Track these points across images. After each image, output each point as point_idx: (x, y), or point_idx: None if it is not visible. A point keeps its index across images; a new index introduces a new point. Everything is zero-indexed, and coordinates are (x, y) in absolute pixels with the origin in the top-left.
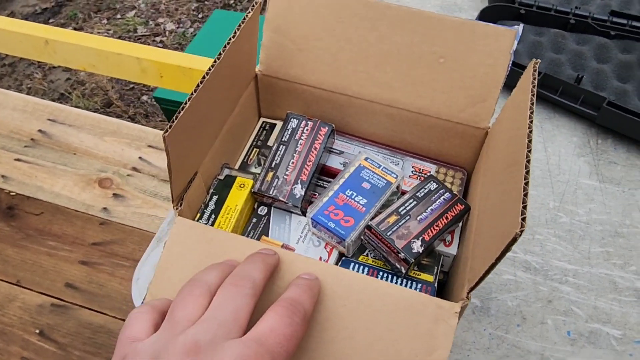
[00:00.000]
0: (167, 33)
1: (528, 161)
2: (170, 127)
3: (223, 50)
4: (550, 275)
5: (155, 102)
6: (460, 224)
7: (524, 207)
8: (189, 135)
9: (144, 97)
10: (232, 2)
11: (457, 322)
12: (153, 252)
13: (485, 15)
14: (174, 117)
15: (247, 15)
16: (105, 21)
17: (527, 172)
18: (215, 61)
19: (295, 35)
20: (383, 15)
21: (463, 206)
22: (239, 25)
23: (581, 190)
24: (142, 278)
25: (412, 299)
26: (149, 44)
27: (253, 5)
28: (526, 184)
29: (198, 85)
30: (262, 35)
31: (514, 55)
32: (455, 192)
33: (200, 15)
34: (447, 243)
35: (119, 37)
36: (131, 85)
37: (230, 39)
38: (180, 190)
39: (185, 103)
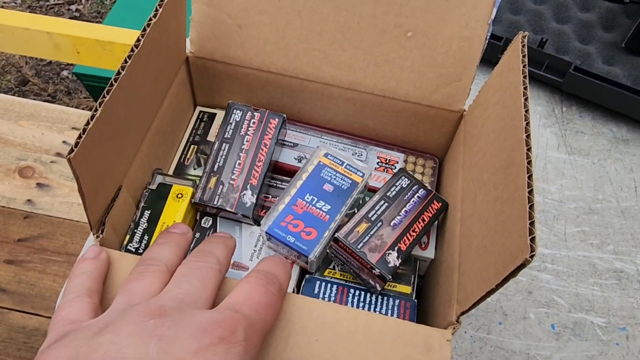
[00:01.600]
0: (83, 1)
1: (529, 162)
2: (76, 144)
3: (142, 35)
4: None
5: (76, 78)
6: (437, 222)
7: (532, 224)
8: (106, 147)
9: (64, 72)
10: None
11: (450, 350)
12: None
13: None
14: (81, 132)
15: None
16: None
17: (530, 177)
18: (132, 49)
19: (232, 8)
20: None
21: (440, 204)
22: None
23: (551, 165)
24: None
25: (398, 329)
26: (62, 14)
27: None
28: (530, 192)
29: (112, 85)
30: (191, 9)
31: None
32: (429, 187)
33: None
34: (423, 246)
35: (29, 7)
36: (48, 60)
37: (150, 19)
38: (100, 214)
39: (95, 110)
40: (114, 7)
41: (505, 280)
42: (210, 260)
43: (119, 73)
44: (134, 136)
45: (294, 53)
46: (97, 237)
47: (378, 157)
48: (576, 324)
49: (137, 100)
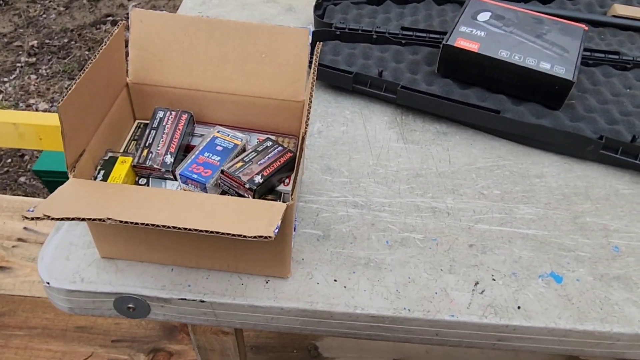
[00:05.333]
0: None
1: (312, 90)
2: (63, 98)
3: (94, 57)
4: (372, 207)
5: (34, 182)
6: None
7: (308, 121)
8: (76, 114)
9: (22, 179)
10: None
11: (284, 211)
12: (54, 238)
13: (314, 38)
14: (66, 91)
15: (112, 34)
16: None
17: (312, 92)
18: (86, 67)
19: (154, 49)
20: (217, 28)
21: (291, 154)
22: (105, 43)
23: (392, 151)
24: (46, 257)
25: (257, 201)
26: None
27: (116, 28)
28: (310, 100)
29: (76, 79)
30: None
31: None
32: (286, 147)
33: None
34: (285, 184)
35: None
36: (5, 169)
37: (98, 51)
38: (73, 160)
39: (72, 85)
40: None
41: (302, 146)
42: None
43: (79, 76)
44: (92, 118)
45: (196, 74)
46: (72, 173)
47: (257, 139)
48: (403, 239)
49: (93, 97)
